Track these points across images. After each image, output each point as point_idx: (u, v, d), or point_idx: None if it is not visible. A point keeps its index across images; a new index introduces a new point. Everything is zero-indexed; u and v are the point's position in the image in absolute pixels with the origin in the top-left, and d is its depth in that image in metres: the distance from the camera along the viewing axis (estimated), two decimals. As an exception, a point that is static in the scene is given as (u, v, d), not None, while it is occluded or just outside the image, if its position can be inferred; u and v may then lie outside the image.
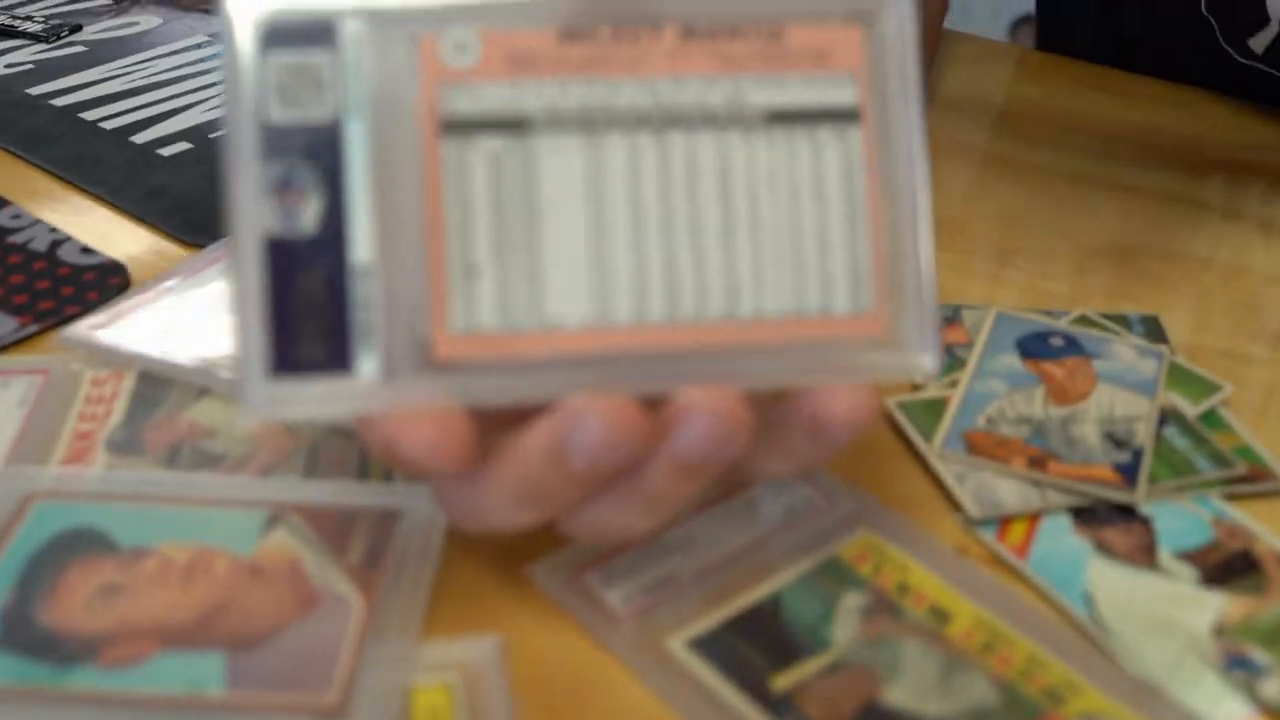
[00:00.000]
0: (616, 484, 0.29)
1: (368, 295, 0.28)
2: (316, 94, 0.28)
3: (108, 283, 0.48)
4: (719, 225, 0.29)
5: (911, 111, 0.30)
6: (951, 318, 0.45)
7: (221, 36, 0.28)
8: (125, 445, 0.38)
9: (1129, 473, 0.37)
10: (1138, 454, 0.38)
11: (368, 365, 0.28)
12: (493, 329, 0.28)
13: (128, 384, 0.42)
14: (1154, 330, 0.45)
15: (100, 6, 0.76)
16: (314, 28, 0.28)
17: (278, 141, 0.28)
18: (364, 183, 0.28)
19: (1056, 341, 0.43)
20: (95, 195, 0.55)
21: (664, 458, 0.29)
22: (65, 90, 0.64)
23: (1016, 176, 0.58)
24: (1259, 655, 0.32)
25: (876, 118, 0.30)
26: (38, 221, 0.52)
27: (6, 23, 0.71)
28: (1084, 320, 0.45)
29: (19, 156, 0.58)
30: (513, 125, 0.29)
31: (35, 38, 0.70)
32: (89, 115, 0.61)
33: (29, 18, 0.73)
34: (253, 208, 0.27)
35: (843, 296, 0.30)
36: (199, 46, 0.71)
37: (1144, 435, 0.38)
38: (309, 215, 0.28)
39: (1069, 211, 0.55)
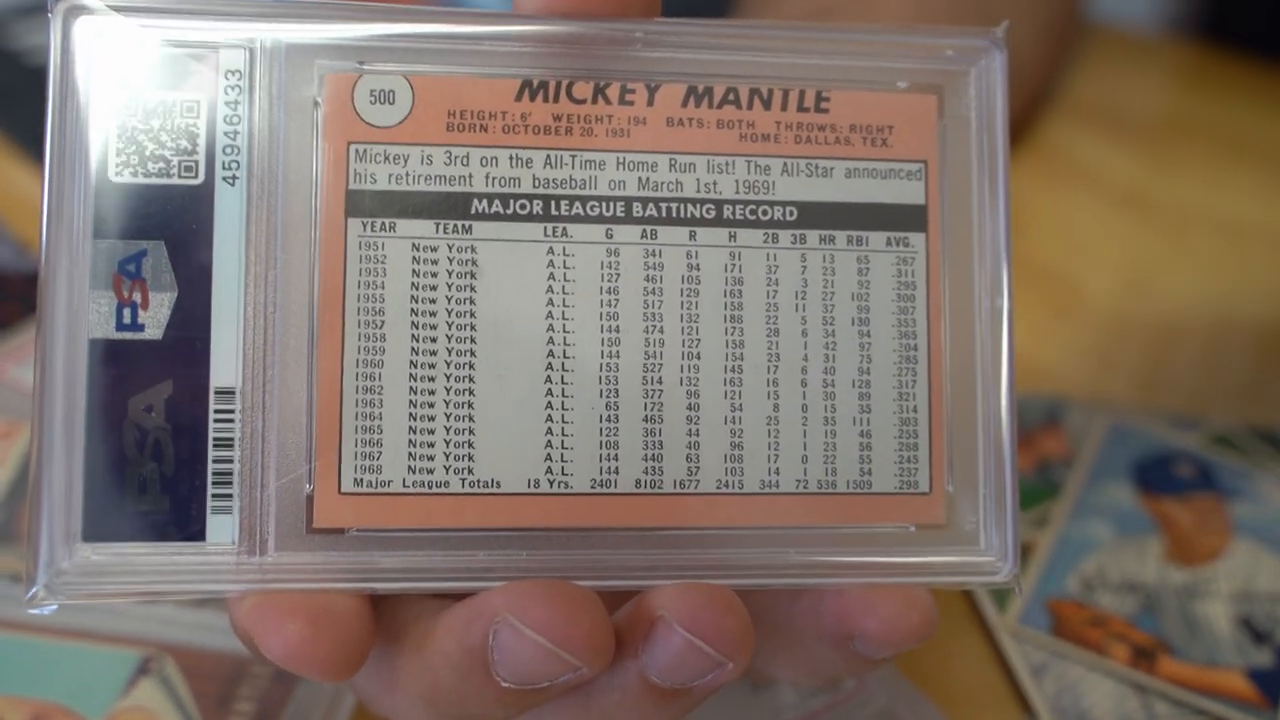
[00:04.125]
0: (561, 701, 0.23)
1: (228, 433, 0.22)
2: (180, 150, 0.22)
3: (34, 295, 0.43)
4: (722, 362, 0.23)
5: (999, 217, 0.23)
6: (1053, 418, 0.38)
7: (51, 60, 0.22)
8: (-1, 529, 0.33)
9: (1270, 685, 0.30)
10: None
11: (223, 530, 0.22)
12: (399, 488, 0.22)
13: (23, 441, 0.37)
14: (1317, 463, 0.37)
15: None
16: (183, 60, 0.22)
17: (120, 210, 0.22)
18: (236, 274, 0.22)
19: (1185, 470, 0.36)
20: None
21: (628, 678, 0.22)
22: (44, 43, 0.59)
23: (1155, 220, 0.50)
24: None
25: (949, 224, 0.24)
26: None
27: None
28: (1223, 440, 0.37)
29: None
30: (447, 208, 0.22)
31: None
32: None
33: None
34: (76, 300, 0.22)
35: (887, 468, 0.23)
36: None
37: (1289, 627, 0.31)
38: (155, 316, 0.22)
39: (1213, 271, 0.47)
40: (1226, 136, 0.57)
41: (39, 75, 0.54)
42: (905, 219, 0.24)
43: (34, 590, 0.21)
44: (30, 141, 0.51)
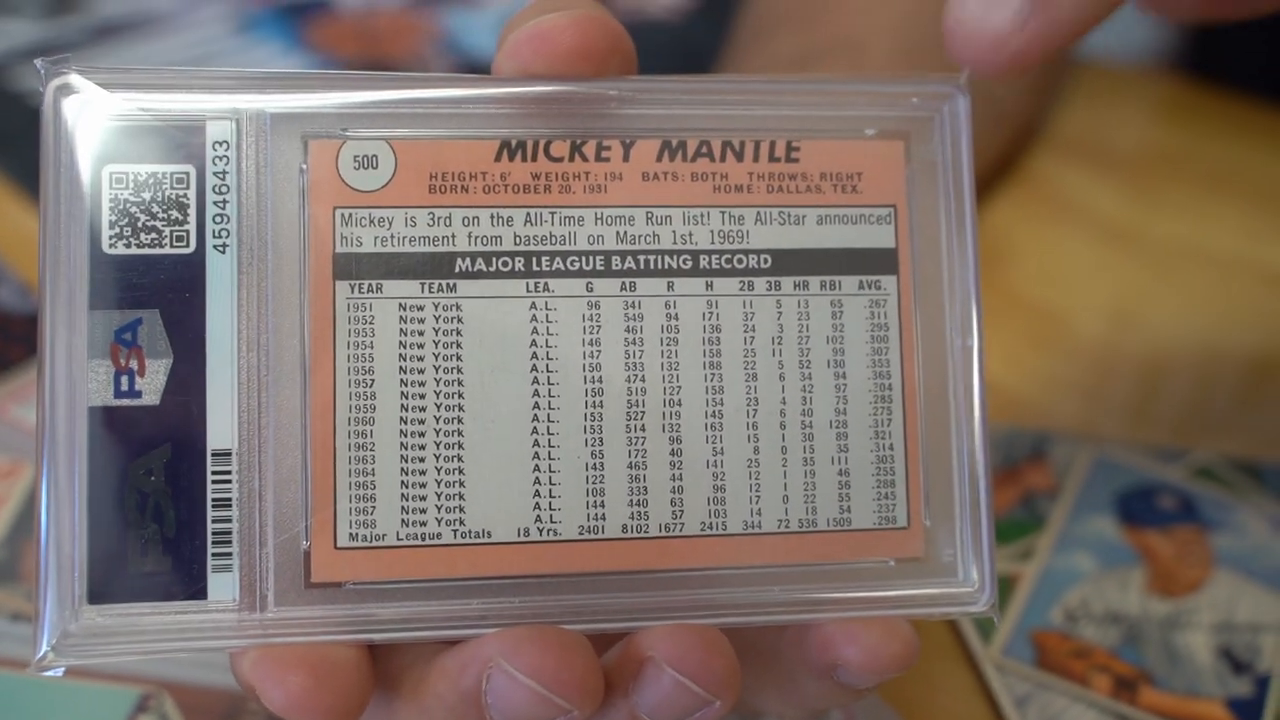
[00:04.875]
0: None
1: (226, 494, 0.23)
2: (170, 220, 0.23)
3: (35, 336, 0.44)
4: (702, 408, 0.24)
5: (968, 257, 0.25)
6: (1037, 451, 0.39)
7: (42, 134, 0.23)
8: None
9: (1248, 715, 0.31)
10: (1263, 684, 0.32)
11: (224, 588, 0.23)
12: (393, 541, 0.23)
13: (25, 481, 0.38)
14: (1297, 490, 0.38)
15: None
16: (171, 133, 0.23)
17: (115, 281, 0.23)
18: (229, 339, 0.23)
19: (1167, 502, 0.37)
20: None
21: (619, 717, 0.23)
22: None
23: (1141, 253, 0.52)
24: None
25: (919, 266, 0.25)
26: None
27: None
28: (1205, 473, 0.39)
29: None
30: (432, 268, 0.24)
31: (31, 9, 0.66)
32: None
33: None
34: (75, 369, 0.23)
35: (866, 505, 0.24)
36: (217, 27, 0.67)
37: (1273, 655, 0.32)
38: (152, 382, 0.23)
39: (1199, 305, 0.48)
40: (1212, 171, 0.58)
41: (38, 118, 0.55)
42: (876, 262, 0.25)
43: (42, 653, 0.22)
44: (33, 183, 0.52)
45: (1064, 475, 0.38)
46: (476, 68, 0.62)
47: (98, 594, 0.22)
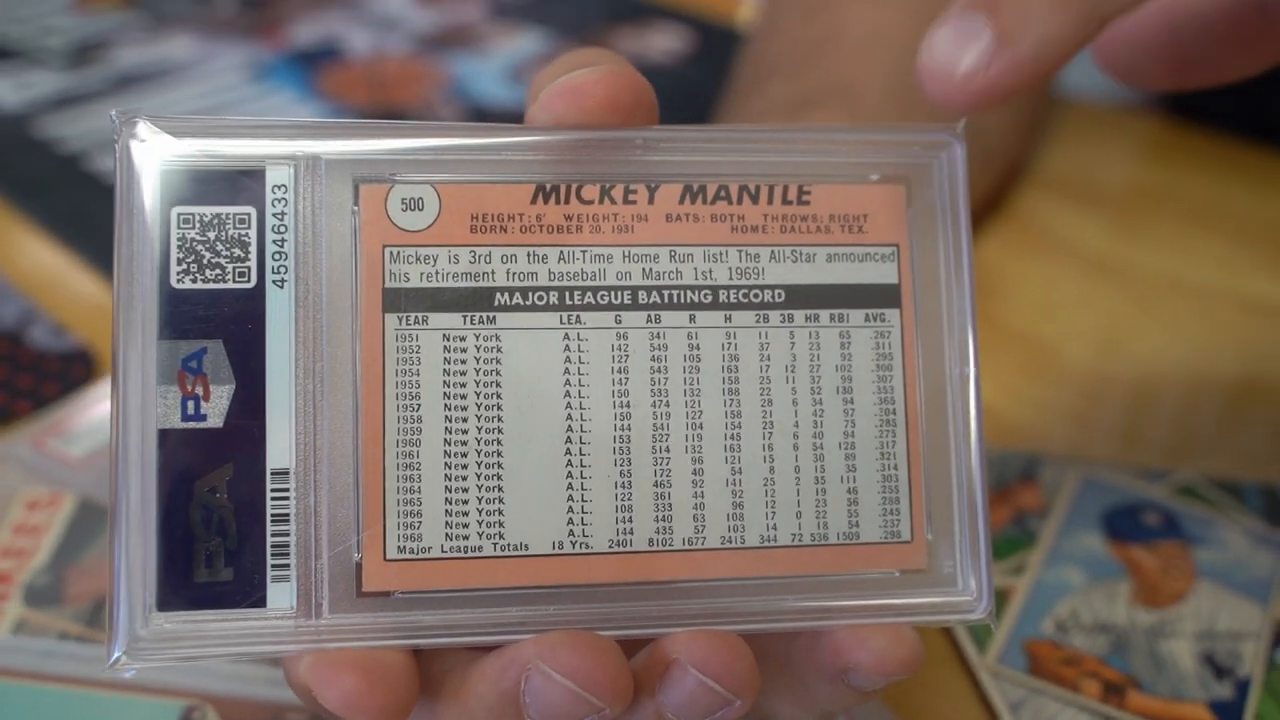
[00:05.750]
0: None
1: (284, 509, 0.25)
2: (233, 257, 0.25)
3: (70, 373, 0.46)
4: (723, 431, 0.26)
5: (965, 292, 0.27)
6: (1028, 473, 0.41)
7: (117, 176, 0.25)
8: (44, 595, 0.36)
9: (1230, 715, 0.33)
10: (1243, 687, 0.33)
11: (282, 596, 0.25)
12: (438, 553, 0.25)
13: (65, 510, 0.39)
14: (1276, 508, 0.40)
15: (132, 29, 0.74)
16: (234, 177, 0.25)
17: (182, 313, 0.25)
18: (287, 368, 0.25)
19: (1152, 519, 0.39)
20: (84, 256, 0.52)
21: (646, 716, 0.25)
22: (76, 133, 0.62)
23: (1126, 286, 0.54)
24: None
25: (920, 299, 0.27)
26: (11, 291, 0.50)
27: (25, 44, 0.69)
28: (1187, 491, 0.40)
29: (13, 205, 0.56)
30: (473, 302, 0.25)
31: (55, 61, 0.68)
32: (98, 164, 0.59)
33: (51, 33, 0.72)
34: (145, 394, 0.24)
35: (873, 521, 0.26)
36: (235, 74, 0.69)
37: (1253, 660, 0.34)
38: (216, 407, 0.25)
39: (1184, 333, 0.50)
40: (1193, 207, 0.60)
41: (67, 163, 0.57)
42: (881, 297, 0.27)
43: (115, 657, 0.24)
44: (62, 226, 0.54)
45: (1053, 495, 0.40)
46: (483, 112, 0.64)
47: (166, 602, 0.24)
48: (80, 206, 0.56)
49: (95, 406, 0.44)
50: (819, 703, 0.27)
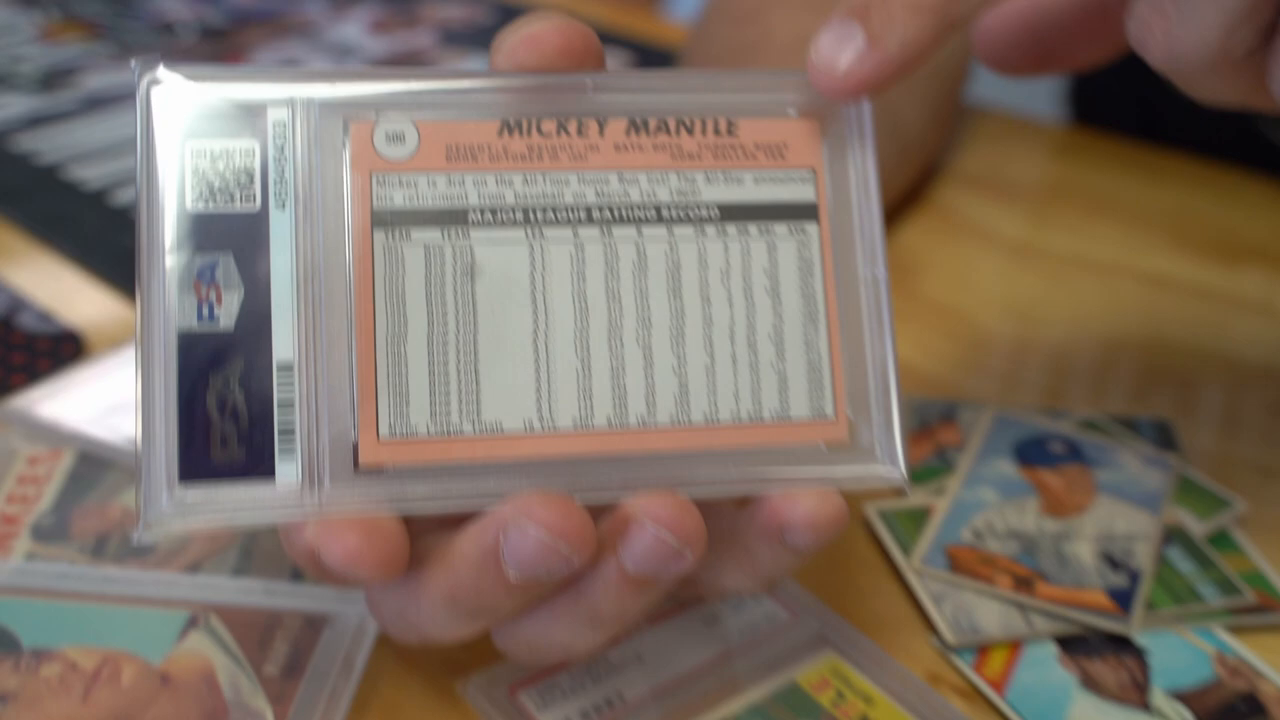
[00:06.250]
0: (556, 597, 0.30)
1: (289, 397, 0.28)
2: (240, 184, 0.29)
3: (61, 351, 0.49)
4: (669, 326, 0.30)
5: (873, 208, 0.31)
6: (947, 416, 0.45)
7: (138, 118, 0.28)
8: (50, 532, 0.39)
9: (1124, 599, 0.37)
10: (1135, 577, 0.38)
11: (288, 471, 0.28)
12: (424, 433, 0.29)
13: (65, 463, 0.42)
14: (1165, 437, 0.45)
15: (99, 56, 0.77)
16: (240, 114, 0.29)
17: (197, 232, 0.28)
18: (289, 277, 0.29)
19: (1057, 448, 0.43)
20: (65, 255, 0.56)
21: (609, 570, 0.29)
22: (51, 147, 0.66)
23: (1038, 266, 0.59)
24: (1251, 807, 0.32)
25: (835, 214, 0.31)
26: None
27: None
28: (1089, 425, 0.45)
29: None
30: (450, 220, 0.29)
31: (27, 86, 0.72)
32: (73, 173, 0.63)
33: (21, 60, 0.75)
34: (166, 301, 0.28)
35: (800, 401, 0.30)
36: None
37: (1144, 556, 0.38)
38: (227, 310, 0.28)
39: (1092, 304, 0.55)
40: (1095, 198, 0.66)
41: (45, 173, 0.60)
42: (801, 212, 0.31)
43: (143, 523, 0.27)
44: (42, 229, 0.58)
45: (970, 431, 0.44)
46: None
47: (187, 475, 0.28)
48: (59, 211, 0.59)
49: (88, 382, 0.47)
50: (762, 567, 0.31)
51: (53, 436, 0.43)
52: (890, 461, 0.30)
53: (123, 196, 0.61)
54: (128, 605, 0.36)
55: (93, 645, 0.34)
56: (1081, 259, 0.59)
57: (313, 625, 0.35)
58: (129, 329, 0.50)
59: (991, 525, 0.40)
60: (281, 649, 0.34)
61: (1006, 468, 0.42)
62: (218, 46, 0.80)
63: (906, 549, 0.39)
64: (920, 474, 0.42)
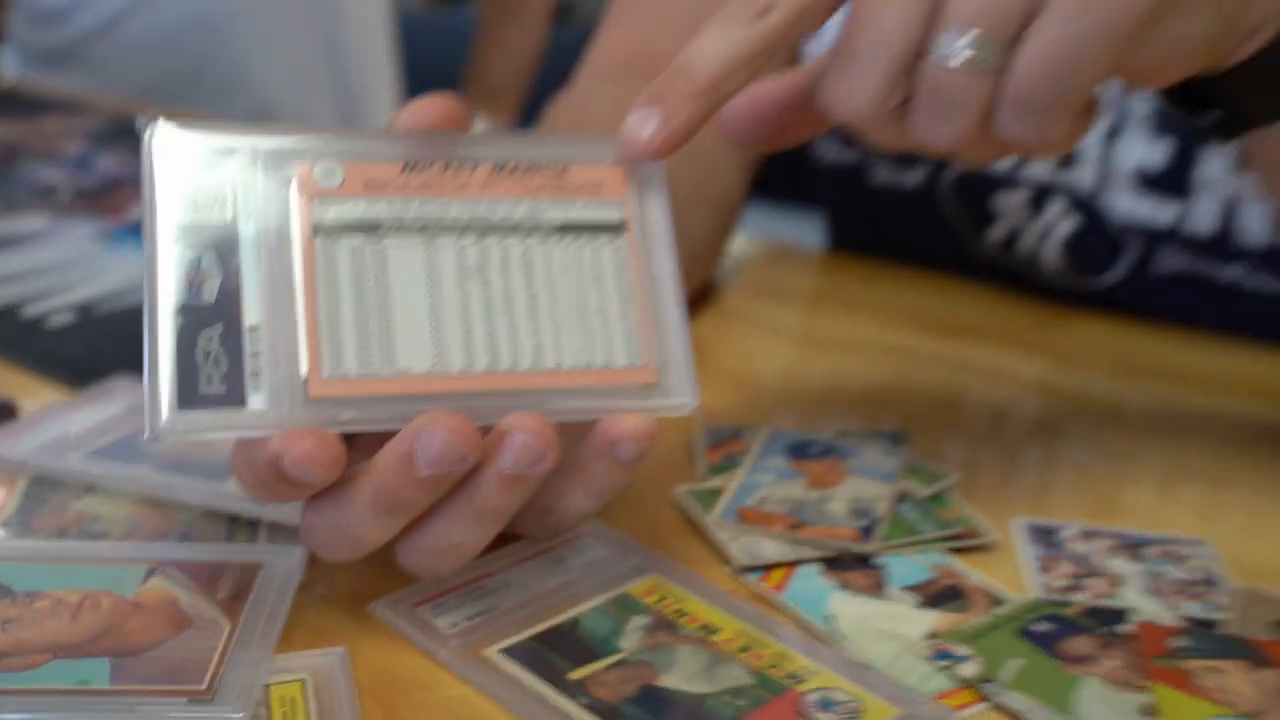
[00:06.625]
0: (452, 499, 0.40)
1: (256, 349, 0.39)
2: (218, 204, 0.40)
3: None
4: (526, 303, 0.42)
5: (663, 227, 0.44)
6: (735, 436, 0.58)
7: (144, 159, 0.40)
8: (17, 529, 0.48)
9: (868, 532, 0.49)
10: (876, 520, 0.50)
11: (257, 400, 0.39)
12: (355, 374, 0.40)
13: (19, 488, 0.51)
14: (899, 440, 0.58)
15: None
16: (217, 156, 0.41)
17: (188, 236, 0.40)
18: (254, 267, 0.40)
19: (817, 448, 0.56)
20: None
21: (490, 473, 0.40)
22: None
23: (805, 344, 0.73)
24: (960, 649, 0.44)
25: (638, 230, 0.44)
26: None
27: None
28: (843, 433, 0.58)
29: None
30: (368, 229, 0.41)
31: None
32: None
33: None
34: (168, 284, 0.39)
35: (621, 354, 0.42)
36: (87, 240, 0.83)
37: (883, 508, 0.51)
38: (210, 290, 0.39)
39: (851, 369, 0.69)
40: (852, 300, 0.81)
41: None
42: (615, 228, 0.44)
43: (150, 434, 0.38)
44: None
45: (752, 443, 0.57)
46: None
47: (183, 403, 0.38)
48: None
49: (26, 430, 0.56)
50: (598, 482, 0.42)
51: (4, 468, 0.52)
52: (684, 395, 0.43)
53: (33, 310, 0.71)
54: (96, 565, 0.45)
55: (74, 589, 0.43)
56: (843, 339, 0.74)
57: (249, 569, 0.45)
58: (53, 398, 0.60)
59: (770, 496, 0.52)
60: (227, 585, 0.44)
61: (780, 462, 0.55)
62: (97, 202, 0.90)
63: (707, 504, 0.51)
64: (715, 469, 0.54)
